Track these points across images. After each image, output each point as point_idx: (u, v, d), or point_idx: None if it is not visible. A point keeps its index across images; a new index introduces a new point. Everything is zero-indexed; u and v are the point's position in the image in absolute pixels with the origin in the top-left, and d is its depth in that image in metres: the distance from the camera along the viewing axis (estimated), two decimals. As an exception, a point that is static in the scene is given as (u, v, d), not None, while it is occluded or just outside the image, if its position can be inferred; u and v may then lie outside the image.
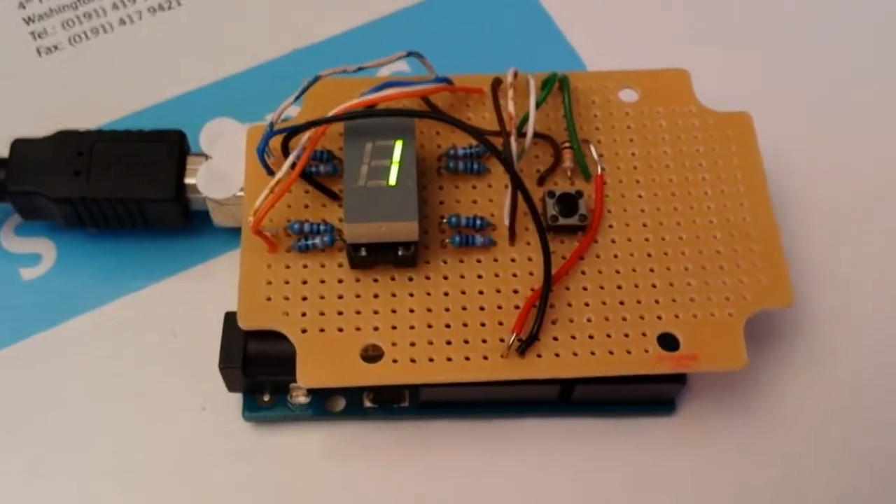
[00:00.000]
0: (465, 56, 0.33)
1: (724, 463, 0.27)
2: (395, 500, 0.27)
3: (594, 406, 0.27)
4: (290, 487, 0.27)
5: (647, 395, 0.27)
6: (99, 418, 0.27)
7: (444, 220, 0.26)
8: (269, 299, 0.25)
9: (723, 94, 0.29)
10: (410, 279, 0.26)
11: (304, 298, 0.25)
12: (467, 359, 0.25)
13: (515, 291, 0.26)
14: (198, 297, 0.29)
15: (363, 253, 0.25)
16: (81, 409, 0.27)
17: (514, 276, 0.26)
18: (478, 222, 0.26)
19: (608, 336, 0.25)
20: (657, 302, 0.26)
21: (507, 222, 0.26)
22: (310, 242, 0.26)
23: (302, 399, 0.27)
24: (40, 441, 0.27)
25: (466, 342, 0.25)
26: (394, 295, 0.25)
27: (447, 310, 0.25)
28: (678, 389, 0.27)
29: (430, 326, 0.25)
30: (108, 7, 0.34)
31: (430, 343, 0.25)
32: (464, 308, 0.25)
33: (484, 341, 0.25)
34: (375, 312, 0.25)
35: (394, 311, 0.25)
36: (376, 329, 0.25)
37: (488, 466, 0.27)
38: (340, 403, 0.27)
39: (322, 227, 0.26)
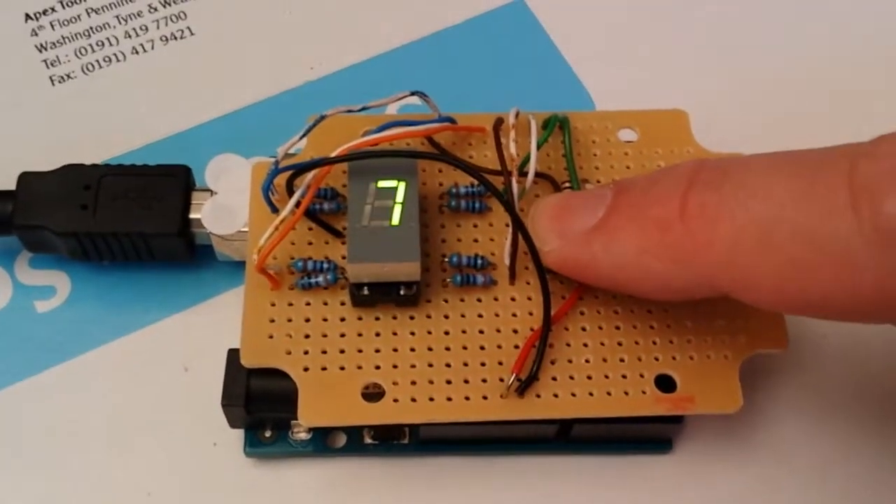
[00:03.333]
0: (476, 90, 0.32)
1: (721, 501, 0.26)
2: (394, 535, 0.26)
3: (592, 444, 0.27)
4: (291, 523, 0.26)
5: (645, 434, 0.26)
6: (112, 451, 0.27)
7: (446, 259, 0.26)
8: (271, 337, 0.24)
9: (728, 135, 0.28)
10: (412, 318, 0.25)
11: (307, 336, 0.24)
12: (467, 398, 0.24)
13: (515, 331, 0.25)
14: (208, 332, 0.28)
15: (365, 292, 0.24)
16: (95, 442, 0.27)
17: (514, 315, 0.25)
18: (479, 261, 0.25)
19: (606, 377, 0.24)
20: (655, 343, 0.25)
21: (507, 262, 0.25)
22: (313, 280, 0.25)
23: (303, 435, 0.26)
24: (55, 472, 0.26)
25: (466, 382, 0.24)
26: (395, 334, 0.25)
27: (448, 349, 0.25)
28: (675, 429, 0.26)
29: (430, 366, 0.24)
30: (121, 36, 0.33)
31: (431, 382, 0.24)
32: (464, 347, 0.25)
33: (484, 381, 0.24)
34: (377, 351, 0.24)
35: (395, 350, 0.24)
36: (378, 368, 0.24)
37: (488, 503, 0.26)
38: (341, 440, 0.26)
39: (325, 265, 0.25)
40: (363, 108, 0.26)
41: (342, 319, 0.25)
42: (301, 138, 0.25)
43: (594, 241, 0.23)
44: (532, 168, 0.25)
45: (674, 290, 0.22)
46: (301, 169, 0.25)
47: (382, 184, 0.24)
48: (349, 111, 0.25)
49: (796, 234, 0.19)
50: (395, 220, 0.24)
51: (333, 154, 0.24)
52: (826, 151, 0.20)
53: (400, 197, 0.24)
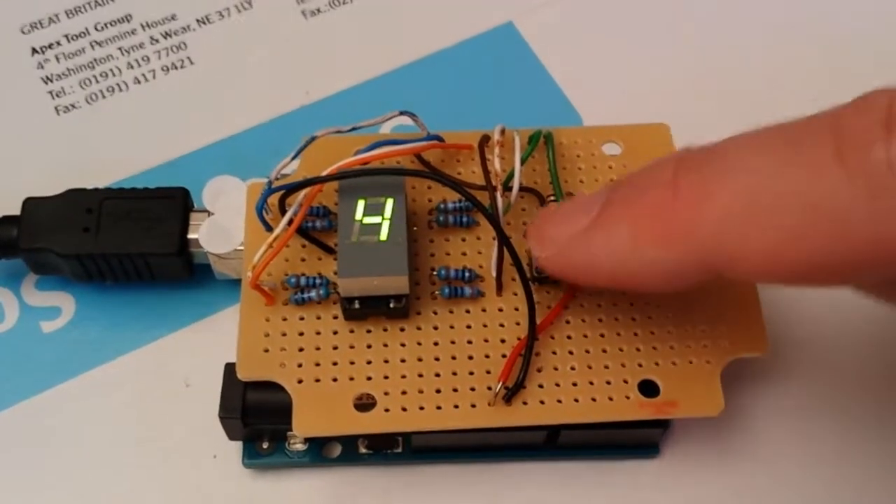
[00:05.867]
0: (469, 110, 0.33)
1: (708, 504, 0.27)
2: (389, 542, 0.26)
3: (580, 450, 0.27)
4: (289, 532, 0.26)
5: (631, 439, 0.27)
6: (116, 465, 0.27)
7: (435, 273, 0.26)
8: (266, 351, 0.25)
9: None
10: (402, 330, 0.25)
11: (301, 349, 0.25)
12: (456, 407, 0.24)
13: (502, 341, 0.25)
14: (208, 348, 0.28)
15: (356, 305, 0.25)
16: (99, 457, 0.27)
17: (501, 325, 0.26)
18: (466, 274, 0.26)
19: (591, 383, 0.25)
20: (638, 350, 0.25)
21: (494, 274, 0.26)
22: (306, 296, 0.25)
23: (299, 446, 0.27)
24: (60, 487, 0.27)
25: (455, 390, 0.25)
26: (386, 345, 0.25)
27: (437, 359, 0.25)
28: (661, 433, 0.27)
29: (420, 376, 0.25)
30: (124, 66, 0.34)
31: (421, 392, 0.25)
32: (453, 357, 0.25)
33: (472, 389, 0.25)
34: (368, 363, 0.25)
35: (386, 361, 0.25)
36: (369, 379, 0.25)
37: (479, 509, 0.27)
38: (336, 450, 0.27)
39: (318, 281, 0.26)
40: (353, 129, 0.26)
41: (335, 332, 0.25)
42: (293, 159, 0.25)
43: (591, 238, 0.22)
44: (516, 182, 0.26)
45: (671, 276, 0.22)
46: (293, 188, 0.25)
47: (371, 201, 0.25)
48: (338, 132, 0.26)
49: (785, 199, 0.19)
50: (384, 235, 0.25)
51: (324, 173, 0.25)
52: (809, 117, 0.20)
53: (388, 213, 0.25)
